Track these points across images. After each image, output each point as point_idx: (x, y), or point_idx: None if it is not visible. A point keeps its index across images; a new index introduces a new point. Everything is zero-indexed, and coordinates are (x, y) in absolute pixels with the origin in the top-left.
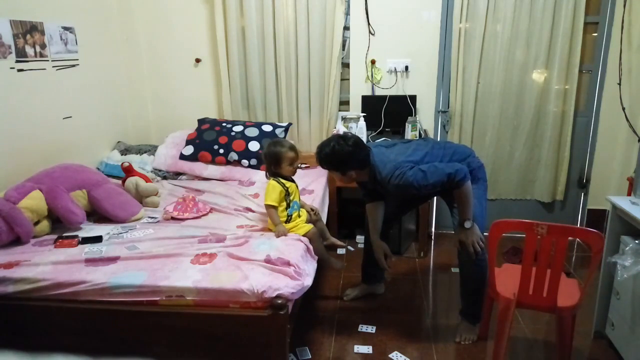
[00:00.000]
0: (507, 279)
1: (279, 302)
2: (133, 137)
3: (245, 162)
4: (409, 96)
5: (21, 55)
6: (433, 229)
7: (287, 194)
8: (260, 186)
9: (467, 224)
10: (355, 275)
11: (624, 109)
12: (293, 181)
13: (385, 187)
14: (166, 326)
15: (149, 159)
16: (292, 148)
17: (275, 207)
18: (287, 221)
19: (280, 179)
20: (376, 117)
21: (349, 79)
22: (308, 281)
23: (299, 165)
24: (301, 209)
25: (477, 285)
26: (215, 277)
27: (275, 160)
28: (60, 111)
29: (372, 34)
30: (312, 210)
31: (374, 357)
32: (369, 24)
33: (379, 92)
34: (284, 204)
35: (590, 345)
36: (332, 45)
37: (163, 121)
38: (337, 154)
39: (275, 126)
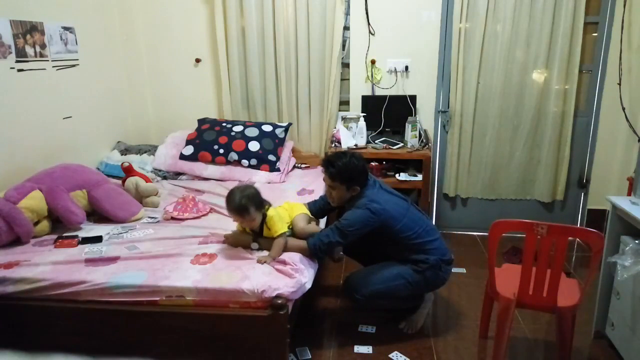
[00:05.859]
0: (507, 279)
1: (279, 302)
2: (133, 137)
3: (245, 162)
4: (409, 96)
5: (21, 55)
6: None
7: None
8: (260, 186)
9: (254, 245)
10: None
11: (624, 109)
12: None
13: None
14: (166, 326)
15: (149, 159)
16: None
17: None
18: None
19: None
20: (376, 117)
21: (349, 79)
22: (307, 278)
23: (300, 165)
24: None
25: (382, 302)
26: (215, 277)
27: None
28: (60, 111)
29: (372, 34)
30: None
31: (374, 357)
32: (369, 24)
33: (379, 92)
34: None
35: (590, 345)
36: (332, 45)
37: (163, 121)
38: (352, 168)
39: (275, 126)
